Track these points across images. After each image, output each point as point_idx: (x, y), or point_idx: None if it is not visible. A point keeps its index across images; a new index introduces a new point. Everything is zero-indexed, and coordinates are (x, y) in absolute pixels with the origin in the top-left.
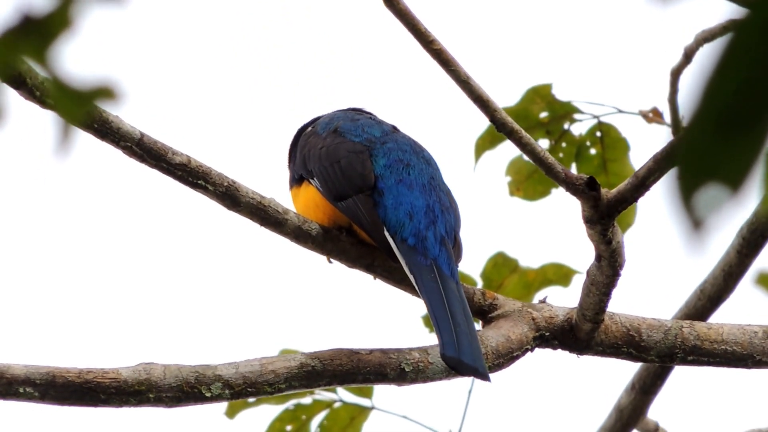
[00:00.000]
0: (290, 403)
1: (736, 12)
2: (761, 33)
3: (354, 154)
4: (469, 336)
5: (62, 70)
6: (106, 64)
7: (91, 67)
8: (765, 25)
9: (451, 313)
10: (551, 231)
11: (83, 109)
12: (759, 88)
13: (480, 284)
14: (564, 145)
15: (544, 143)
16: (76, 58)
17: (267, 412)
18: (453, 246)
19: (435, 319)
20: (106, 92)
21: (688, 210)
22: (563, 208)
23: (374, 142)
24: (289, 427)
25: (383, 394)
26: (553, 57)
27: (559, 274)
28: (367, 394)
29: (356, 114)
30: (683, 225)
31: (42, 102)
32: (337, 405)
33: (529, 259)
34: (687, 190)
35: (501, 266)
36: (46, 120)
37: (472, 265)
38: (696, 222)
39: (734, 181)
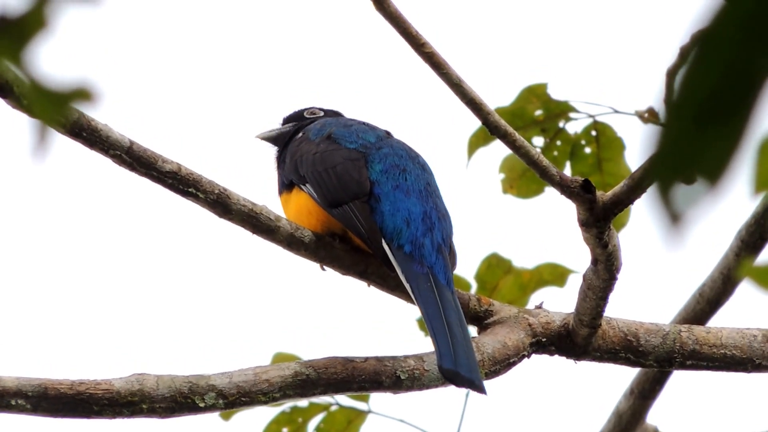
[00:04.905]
0: (286, 406)
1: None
2: (736, 26)
3: (350, 161)
4: (465, 347)
5: (38, 72)
6: (84, 66)
7: (68, 68)
8: (740, 18)
9: (448, 323)
10: (546, 229)
11: (60, 111)
12: (735, 82)
13: (474, 286)
14: (559, 143)
15: (538, 141)
16: (52, 60)
17: (263, 414)
18: (448, 253)
19: (432, 330)
20: (82, 94)
21: (666, 204)
22: (558, 206)
23: (369, 147)
24: (285, 430)
25: (380, 397)
26: (548, 57)
27: (555, 274)
28: (364, 397)
29: (349, 119)
30: (662, 219)
31: (29, 111)
32: (333, 408)
33: (524, 258)
34: (665, 185)
35: (495, 267)
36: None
37: (465, 266)
38: (674, 216)
39: (712, 175)
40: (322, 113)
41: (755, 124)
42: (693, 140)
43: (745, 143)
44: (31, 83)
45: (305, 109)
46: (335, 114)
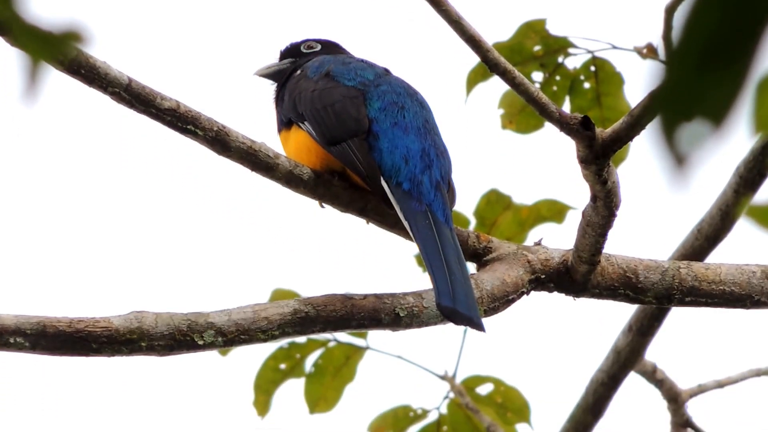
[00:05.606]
0: (284, 342)
1: None
2: None
3: (348, 99)
4: (463, 285)
5: (29, 13)
6: (80, 6)
7: (59, 10)
8: None
9: (446, 261)
10: (545, 165)
11: (51, 52)
12: (741, 21)
13: (473, 222)
14: (558, 78)
15: (538, 76)
16: (43, 2)
17: (261, 350)
18: (447, 191)
19: (430, 267)
20: (73, 35)
21: (670, 146)
22: (557, 142)
23: (368, 85)
24: (283, 366)
25: (378, 334)
26: None
27: (553, 211)
28: (362, 334)
29: (347, 57)
30: (666, 161)
31: (25, 49)
32: (331, 345)
33: (523, 193)
34: (669, 126)
35: (494, 203)
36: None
37: (464, 202)
38: (679, 158)
39: (717, 116)
40: (319, 46)
41: (758, 65)
42: (695, 83)
43: (749, 85)
44: (25, 22)
45: (302, 42)
46: (332, 45)
